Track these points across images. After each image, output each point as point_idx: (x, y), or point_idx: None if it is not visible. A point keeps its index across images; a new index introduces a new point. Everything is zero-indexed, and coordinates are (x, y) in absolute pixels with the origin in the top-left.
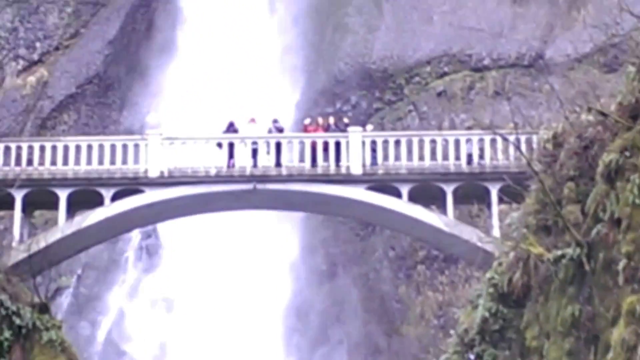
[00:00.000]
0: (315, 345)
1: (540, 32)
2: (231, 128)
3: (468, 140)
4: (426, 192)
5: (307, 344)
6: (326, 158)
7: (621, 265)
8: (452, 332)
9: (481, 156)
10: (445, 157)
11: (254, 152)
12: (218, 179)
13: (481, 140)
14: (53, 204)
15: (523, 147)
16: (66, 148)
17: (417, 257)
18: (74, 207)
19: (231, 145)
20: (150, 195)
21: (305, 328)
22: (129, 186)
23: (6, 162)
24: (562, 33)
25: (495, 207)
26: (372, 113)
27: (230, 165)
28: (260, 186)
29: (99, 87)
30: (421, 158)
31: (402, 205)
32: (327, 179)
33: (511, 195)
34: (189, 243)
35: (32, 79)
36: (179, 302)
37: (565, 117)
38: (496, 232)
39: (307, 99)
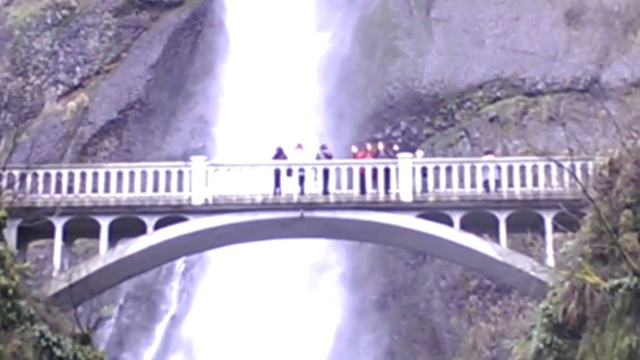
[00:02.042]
0: None
1: (596, 55)
2: (280, 155)
3: (485, 168)
4: (478, 220)
5: None
6: (375, 185)
7: None
8: None
9: (535, 183)
10: (499, 184)
11: (301, 179)
12: (264, 206)
13: (535, 167)
14: (94, 232)
15: (578, 173)
16: (107, 175)
17: (469, 287)
18: (115, 236)
19: (278, 172)
20: (194, 224)
21: (354, 359)
22: (173, 214)
23: (46, 190)
24: (619, 56)
25: (549, 236)
26: (423, 139)
27: (276, 193)
28: (307, 214)
29: (141, 112)
30: (473, 185)
31: (453, 234)
32: (376, 207)
33: (566, 223)
34: (234, 271)
35: (72, 104)
36: (223, 332)
37: (621, 143)
38: (550, 261)
39: (355, 124)
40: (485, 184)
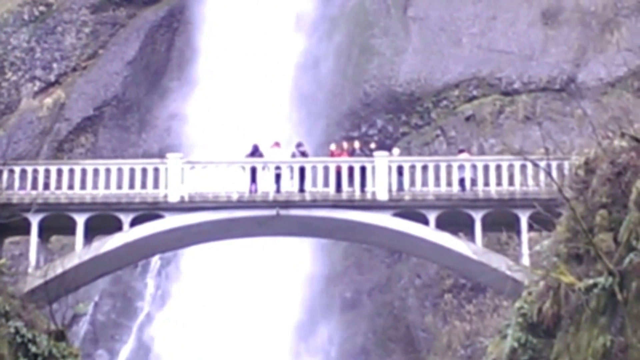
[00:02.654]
0: None
1: (573, 55)
2: (256, 152)
3: (461, 167)
4: (454, 219)
5: None
6: (351, 183)
7: None
8: None
9: (511, 183)
10: (474, 183)
11: (277, 177)
12: (240, 204)
13: (511, 166)
14: (70, 229)
15: (554, 173)
16: (84, 172)
17: (444, 286)
18: (91, 233)
19: (254, 170)
20: (170, 221)
21: (328, 358)
22: (149, 211)
23: (22, 186)
24: (595, 56)
25: (525, 235)
26: (399, 137)
27: (252, 191)
28: (283, 212)
29: (118, 109)
30: (449, 184)
31: (429, 232)
32: (352, 205)
33: (541, 222)
34: (209, 269)
35: (48, 100)
36: (198, 331)
37: (597, 142)
38: (526, 260)
39: (331, 122)
40: (461, 182)
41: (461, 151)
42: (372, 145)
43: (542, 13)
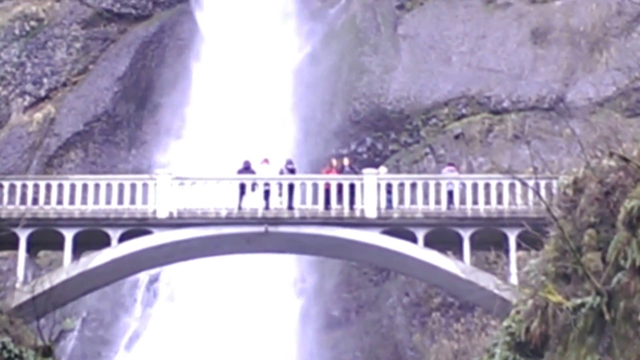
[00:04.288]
0: None
1: (562, 74)
2: (248, 169)
3: (449, 183)
4: (442, 237)
5: None
6: (340, 201)
7: None
8: None
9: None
10: (463, 201)
11: (266, 194)
12: (229, 220)
13: (500, 185)
14: (58, 245)
15: (542, 192)
16: (73, 187)
17: (432, 304)
18: (80, 248)
19: (243, 187)
20: (159, 237)
21: None
22: (137, 227)
23: (11, 201)
24: (584, 76)
25: (513, 254)
26: (388, 155)
27: (240, 207)
28: (272, 229)
29: (108, 124)
30: (437, 202)
31: (417, 251)
32: (341, 222)
33: (530, 241)
34: (198, 285)
35: (38, 115)
36: (185, 347)
37: (586, 162)
38: (514, 279)
39: (321, 139)
40: (450, 195)
41: (450, 165)
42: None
43: (532, 32)
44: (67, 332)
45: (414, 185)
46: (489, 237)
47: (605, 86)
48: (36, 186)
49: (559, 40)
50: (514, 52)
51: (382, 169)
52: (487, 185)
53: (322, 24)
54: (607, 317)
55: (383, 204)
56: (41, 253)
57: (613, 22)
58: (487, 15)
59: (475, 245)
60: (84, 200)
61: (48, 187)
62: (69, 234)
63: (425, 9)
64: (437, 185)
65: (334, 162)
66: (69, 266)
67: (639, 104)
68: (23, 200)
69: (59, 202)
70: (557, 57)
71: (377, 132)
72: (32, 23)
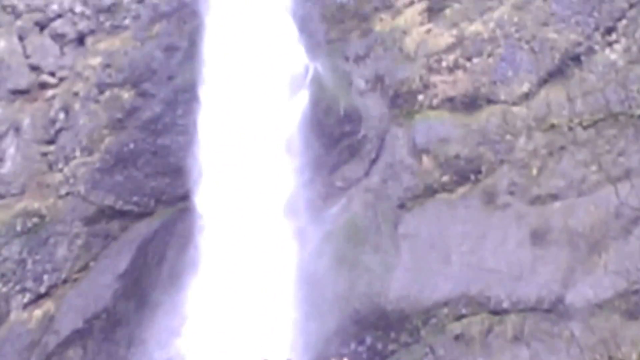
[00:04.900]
0: None
1: (561, 275)
2: None
3: None
4: None
5: None
6: None
7: None
8: None
9: None
10: None
11: None
12: None
13: None
14: None
15: None
16: None
17: None
18: None
19: None
20: None
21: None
22: None
23: None
24: (583, 277)
25: None
26: (388, 355)
27: None
28: None
29: (107, 322)
30: None
31: None
32: None
33: None
34: None
35: (38, 312)
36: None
37: None
38: None
39: (321, 338)
40: None
41: None
42: None
43: (531, 233)
44: None
45: None
46: None
47: (604, 288)
48: None
49: (558, 241)
50: (513, 252)
51: None
52: None
53: (323, 222)
54: None
55: None
56: None
57: (611, 224)
58: (487, 215)
59: None
60: None
61: None
62: None
63: (425, 209)
64: None
65: None
66: None
67: (637, 306)
68: None
69: None
70: (557, 257)
71: (377, 331)
72: (34, 220)
